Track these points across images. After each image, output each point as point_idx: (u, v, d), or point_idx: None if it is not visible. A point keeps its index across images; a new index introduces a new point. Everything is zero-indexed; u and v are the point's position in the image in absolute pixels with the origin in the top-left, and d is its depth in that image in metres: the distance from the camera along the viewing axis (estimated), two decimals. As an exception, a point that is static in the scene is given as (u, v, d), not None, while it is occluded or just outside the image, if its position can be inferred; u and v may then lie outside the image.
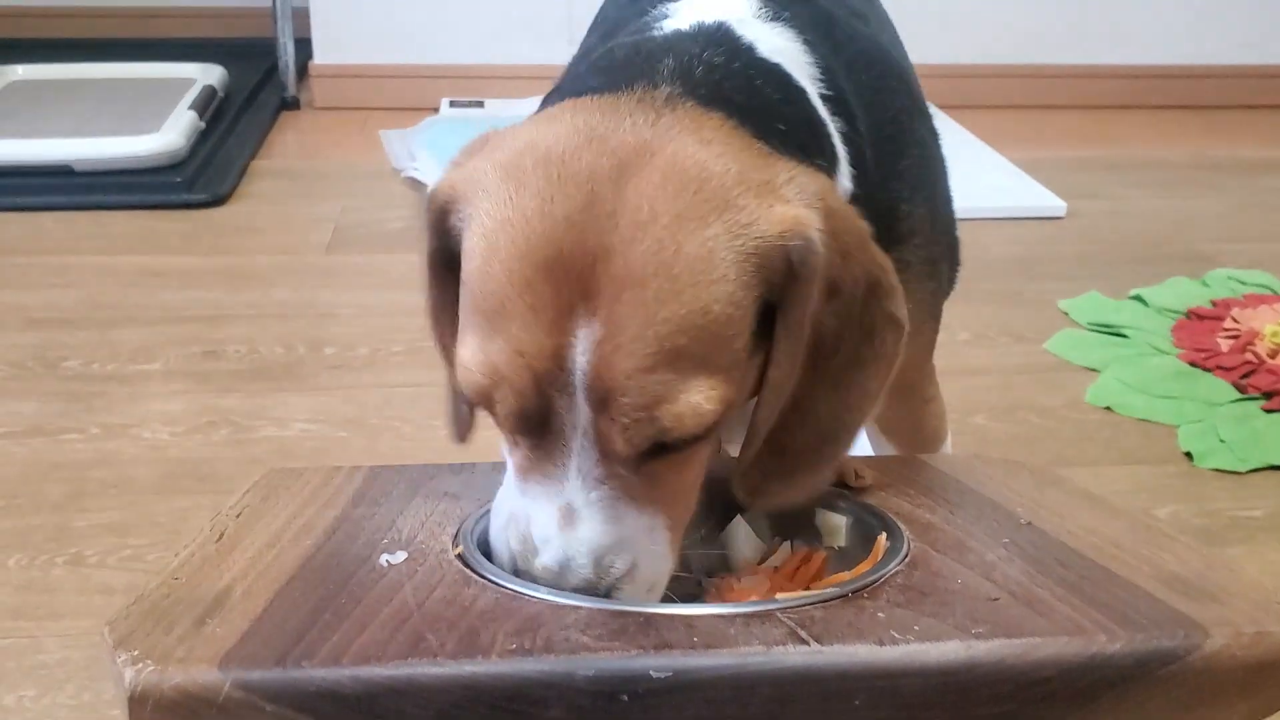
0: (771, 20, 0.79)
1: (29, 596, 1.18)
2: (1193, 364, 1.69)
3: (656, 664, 0.49)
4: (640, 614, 0.54)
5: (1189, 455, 1.49)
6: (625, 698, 0.49)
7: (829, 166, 0.76)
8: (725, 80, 0.71)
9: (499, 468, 0.77)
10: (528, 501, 0.63)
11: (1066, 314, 1.88)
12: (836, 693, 0.50)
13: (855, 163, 0.79)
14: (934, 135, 0.93)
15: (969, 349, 1.77)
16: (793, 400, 0.65)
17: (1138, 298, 1.91)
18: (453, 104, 2.88)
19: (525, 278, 0.60)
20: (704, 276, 0.60)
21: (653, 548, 0.63)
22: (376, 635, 0.52)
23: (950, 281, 0.95)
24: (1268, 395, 1.59)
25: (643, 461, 0.62)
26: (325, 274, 1.98)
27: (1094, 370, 1.70)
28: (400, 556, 0.61)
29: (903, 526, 0.65)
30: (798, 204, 0.64)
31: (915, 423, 1.05)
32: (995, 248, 2.16)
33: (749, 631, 0.52)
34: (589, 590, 0.60)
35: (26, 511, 1.31)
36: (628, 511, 0.62)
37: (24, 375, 1.61)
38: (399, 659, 0.50)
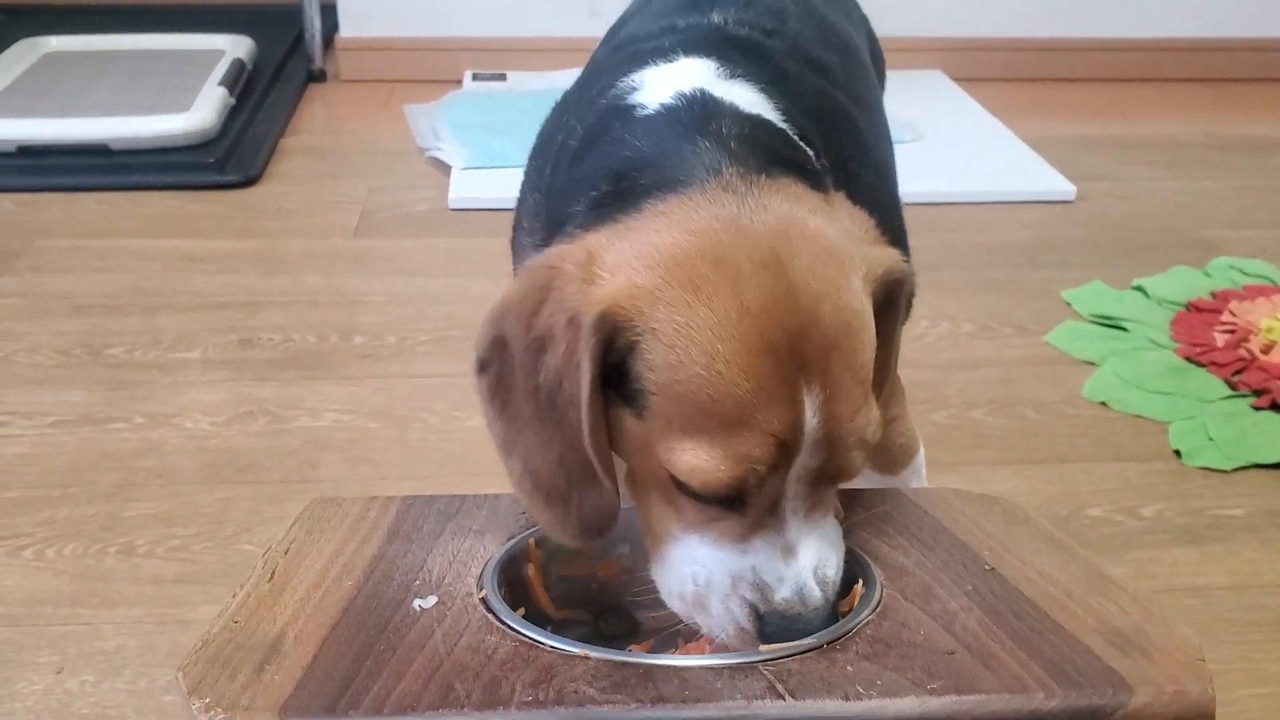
0: (730, 79, 0.86)
1: (85, 585, 1.27)
2: (1188, 359, 1.75)
3: (652, 717, 0.58)
4: (640, 665, 0.62)
5: (1178, 453, 1.55)
6: (625, 745, 0.57)
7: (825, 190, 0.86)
8: (753, 142, 0.79)
9: (517, 500, 0.84)
10: (751, 558, 0.71)
11: (1070, 304, 1.94)
12: (807, 742, 0.58)
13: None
14: (885, 169, 1.02)
15: (971, 341, 1.83)
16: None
17: (1139, 288, 1.97)
18: (476, 76, 2.94)
19: (754, 369, 0.68)
20: (866, 320, 0.74)
21: (839, 541, 0.75)
22: (411, 685, 0.60)
23: (907, 307, 1.03)
24: (1257, 393, 1.65)
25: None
26: (353, 260, 2.05)
27: (1093, 364, 1.76)
28: (431, 601, 0.70)
29: (878, 573, 0.73)
30: (872, 241, 0.78)
31: (884, 441, 1.12)
32: (1004, 233, 2.21)
33: (733, 685, 0.60)
34: (825, 607, 0.70)
35: (79, 501, 1.41)
36: (822, 524, 0.74)
37: (71, 363, 1.70)
38: (431, 710, 0.58)
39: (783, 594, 0.70)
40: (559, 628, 0.78)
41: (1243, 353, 1.74)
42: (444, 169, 2.40)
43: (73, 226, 2.14)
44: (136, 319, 1.82)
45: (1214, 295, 1.93)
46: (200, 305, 1.87)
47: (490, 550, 0.77)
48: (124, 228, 2.14)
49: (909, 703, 0.59)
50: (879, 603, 0.70)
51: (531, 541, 0.80)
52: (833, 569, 0.72)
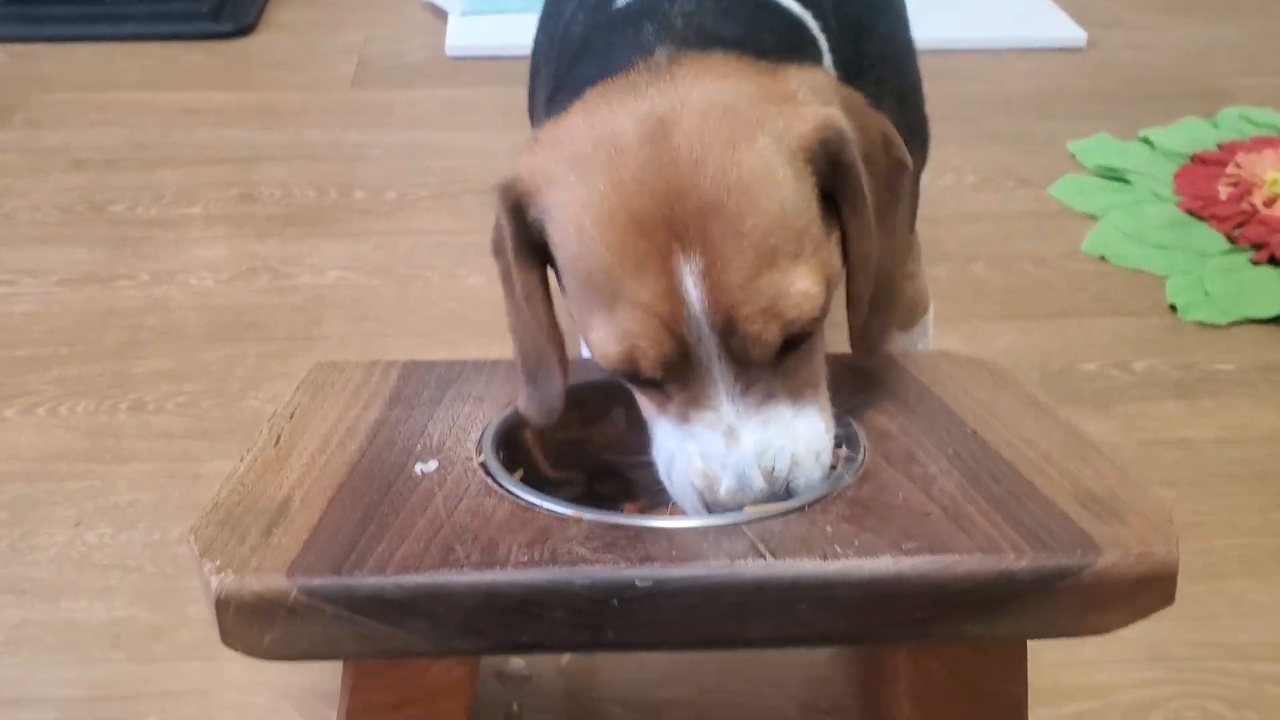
0: None
1: (97, 441, 1.31)
2: (1190, 212, 1.75)
3: (640, 574, 0.61)
4: (630, 527, 0.65)
5: (1173, 308, 1.57)
6: (615, 602, 0.60)
7: (817, 57, 0.86)
8: (704, 21, 0.79)
9: (513, 365, 0.87)
10: (692, 443, 0.71)
11: (1074, 156, 1.93)
12: (786, 599, 0.61)
13: (834, 49, 0.88)
14: (899, 26, 1.00)
15: (975, 193, 1.83)
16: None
17: (1146, 140, 1.95)
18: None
19: (621, 242, 0.68)
20: (768, 181, 0.69)
21: (806, 432, 0.72)
22: (414, 547, 0.63)
23: (923, 159, 1.03)
24: (1256, 247, 1.66)
25: (778, 364, 0.71)
26: (351, 112, 2.04)
27: (1094, 218, 1.76)
28: (432, 465, 0.72)
29: (863, 437, 0.75)
30: (816, 103, 0.73)
31: (896, 299, 1.13)
32: (1011, 82, 2.18)
33: (718, 545, 0.63)
34: (770, 499, 0.68)
35: (88, 359, 1.43)
36: (775, 411, 0.71)
37: (74, 220, 1.71)
38: (433, 569, 0.61)
39: (725, 482, 0.69)
40: (555, 489, 0.81)
41: (1245, 206, 1.73)
42: (441, 15, 2.36)
43: (68, 79, 2.12)
44: (136, 174, 1.82)
45: (1220, 147, 1.91)
46: (200, 160, 1.87)
47: (489, 416, 0.80)
48: (120, 80, 2.12)
49: (884, 562, 0.61)
50: (862, 465, 0.72)
51: (529, 406, 0.82)
52: (782, 460, 0.70)
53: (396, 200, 1.78)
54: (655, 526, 0.65)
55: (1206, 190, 1.79)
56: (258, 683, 1.00)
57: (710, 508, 0.70)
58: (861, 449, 0.74)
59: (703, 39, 0.77)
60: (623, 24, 0.81)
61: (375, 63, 2.20)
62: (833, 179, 0.73)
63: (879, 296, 0.78)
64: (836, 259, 0.74)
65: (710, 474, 0.70)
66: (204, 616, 0.68)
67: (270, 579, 0.60)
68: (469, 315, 1.52)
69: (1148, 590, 0.63)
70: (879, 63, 0.93)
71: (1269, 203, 1.73)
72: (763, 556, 0.62)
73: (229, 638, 0.61)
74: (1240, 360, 1.47)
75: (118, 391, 1.38)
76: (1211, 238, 1.69)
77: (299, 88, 2.12)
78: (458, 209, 1.75)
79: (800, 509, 0.67)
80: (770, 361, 0.71)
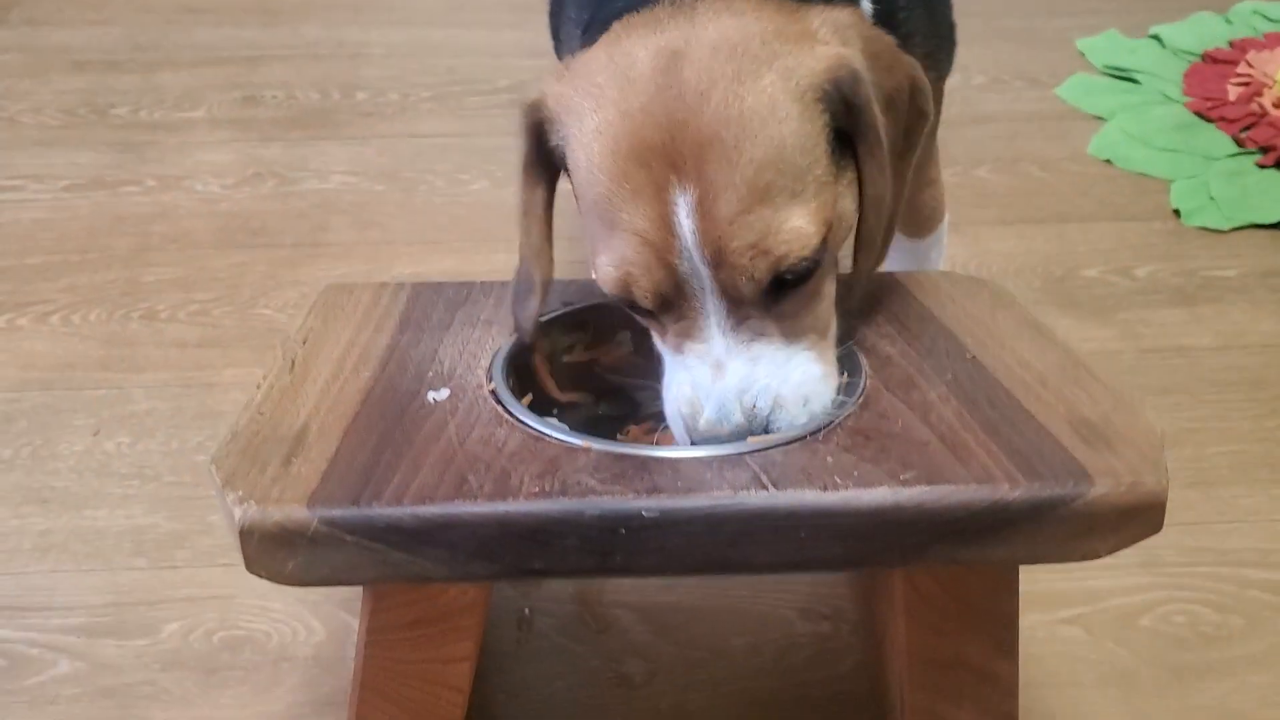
0: None
1: (113, 349, 1.33)
2: (1198, 113, 1.74)
3: (647, 505, 0.63)
4: (637, 457, 0.67)
5: (1177, 212, 1.57)
6: (623, 531, 0.63)
7: None
8: None
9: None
10: (684, 372, 0.73)
11: (1084, 54, 1.91)
12: (787, 528, 0.63)
13: None
14: None
15: (982, 94, 1.82)
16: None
17: (1156, 37, 1.93)
18: None
19: (622, 171, 0.70)
20: (770, 117, 0.69)
21: (797, 375, 0.72)
22: (428, 478, 0.65)
23: (949, 67, 1.04)
24: (1263, 150, 1.65)
25: (773, 303, 0.72)
26: (353, 9, 2.02)
27: (1101, 119, 1.75)
28: (444, 394, 0.74)
29: (864, 362, 0.77)
30: (835, 43, 0.74)
31: (915, 204, 1.14)
32: (1022, -24, 2.15)
33: (721, 476, 0.65)
34: (745, 433, 0.69)
35: (98, 266, 1.45)
36: (765, 350, 0.72)
37: (77, 124, 1.71)
38: (447, 499, 0.63)
39: (706, 413, 0.70)
40: (564, 411, 0.83)
41: (1254, 107, 1.72)
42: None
43: (64, -25, 2.09)
44: (138, 76, 1.81)
45: (1232, 44, 1.89)
46: (202, 61, 1.86)
47: (498, 341, 0.81)
48: (117, -24, 2.09)
49: (881, 493, 0.64)
50: (863, 392, 0.74)
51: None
52: (765, 398, 0.70)
53: (399, 102, 1.77)
54: (661, 457, 0.67)
55: (1216, 90, 1.78)
56: (277, 589, 1.03)
57: (691, 436, 0.71)
58: (863, 374, 0.76)
59: None
60: None
61: (375, -45, 2.17)
62: (847, 119, 0.73)
63: (884, 235, 0.78)
64: (847, 202, 0.74)
65: (695, 403, 0.72)
66: (223, 524, 0.71)
67: (291, 509, 0.63)
68: (473, 221, 1.53)
69: (1137, 520, 0.65)
70: None
71: (1278, 104, 1.72)
72: (765, 488, 0.64)
73: (253, 565, 0.63)
74: (1241, 266, 1.49)
75: (129, 300, 1.40)
76: (1218, 140, 1.69)
77: (299, -17, 2.09)
78: (460, 110, 1.74)
79: (803, 438, 0.69)
80: (762, 299, 0.71)
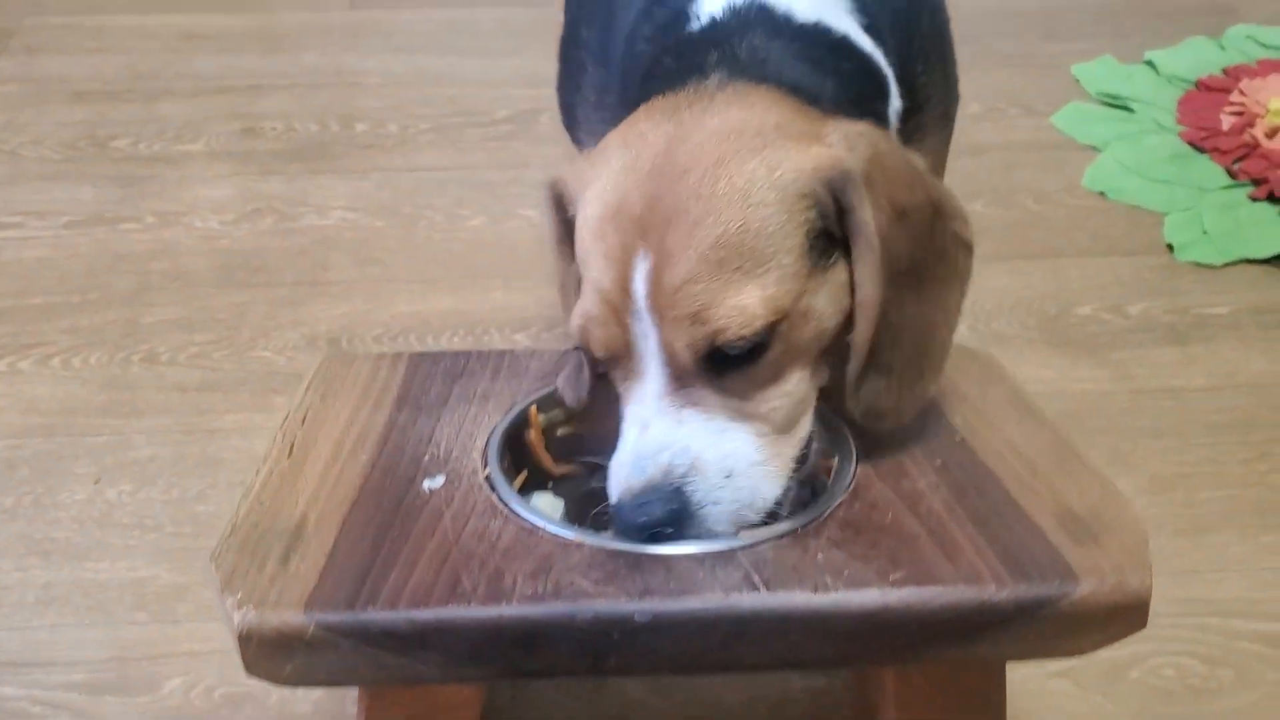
0: None
1: (113, 394, 1.34)
2: (1191, 144, 1.75)
3: (639, 608, 0.64)
4: (630, 555, 0.68)
5: (1170, 247, 1.58)
6: (615, 635, 0.64)
7: (883, 95, 0.88)
8: (769, 60, 0.82)
9: (517, 356, 0.90)
10: (623, 428, 0.76)
11: (1078, 81, 1.92)
12: (778, 630, 0.65)
13: (897, 68, 0.91)
14: (940, 22, 1.03)
15: (977, 124, 1.82)
16: (886, 321, 0.75)
17: (1150, 63, 1.94)
18: None
19: (600, 232, 0.74)
20: (739, 200, 0.72)
21: (727, 447, 0.72)
22: (424, 576, 0.66)
23: (954, 110, 1.07)
24: (1256, 182, 1.66)
25: (716, 376, 0.73)
26: (350, 34, 2.02)
27: (1096, 149, 1.76)
28: (439, 481, 0.75)
29: (854, 445, 0.78)
30: (840, 147, 0.75)
31: None
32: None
33: (714, 575, 0.66)
34: (665, 500, 0.70)
35: (99, 307, 1.46)
36: (696, 417, 0.73)
37: (77, 157, 1.71)
38: (441, 603, 0.64)
39: (624, 469, 0.72)
40: (559, 484, 0.84)
41: (1247, 138, 1.73)
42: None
43: (63, 2, 2.09)
44: (138, 106, 1.82)
45: (1226, 72, 1.90)
46: (202, 90, 1.86)
47: (494, 418, 0.83)
48: (116, 2, 2.09)
49: (871, 594, 0.65)
50: (853, 480, 0.75)
51: (533, 408, 0.85)
52: (682, 460, 0.71)
53: (398, 134, 1.78)
54: (654, 554, 0.68)
55: (1210, 120, 1.79)
56: (277, 646, 1.05)
57: (618, 495, 0.72)
58: (853, 459, 0.77)
59: (761, 74, 0.80)
60: (693, 50, 0.83)
61: (373, -21, 2.18)
62: (840, 222, 0.74)
63: (906, 365, 0.76)
64: (819, 300, 0.74)
65: (620, 461, 0.74)
66: (222, 625, 0.72)
67: (289, 614, 0.64)
68: (471, 258, 1.54)
69: (1120, 619, 0.66)
70: (924, 54, 0.97)
71: (1271, 134, 1.73)
72: (756, 589, 0.65)
73: (251, 668, 0.65)
74: (1233, 303, 1.49)
75: (130, 342, 1.41)
76: (1212, 171, 1.69)
77: (297, 7, 2.09)
78: (459, 142, 1.75)
79: (793, 532, 0.70)
80: (703, 370, 0.72)
